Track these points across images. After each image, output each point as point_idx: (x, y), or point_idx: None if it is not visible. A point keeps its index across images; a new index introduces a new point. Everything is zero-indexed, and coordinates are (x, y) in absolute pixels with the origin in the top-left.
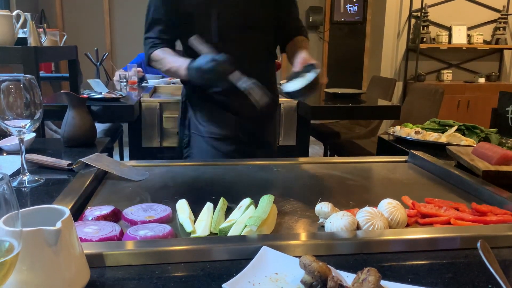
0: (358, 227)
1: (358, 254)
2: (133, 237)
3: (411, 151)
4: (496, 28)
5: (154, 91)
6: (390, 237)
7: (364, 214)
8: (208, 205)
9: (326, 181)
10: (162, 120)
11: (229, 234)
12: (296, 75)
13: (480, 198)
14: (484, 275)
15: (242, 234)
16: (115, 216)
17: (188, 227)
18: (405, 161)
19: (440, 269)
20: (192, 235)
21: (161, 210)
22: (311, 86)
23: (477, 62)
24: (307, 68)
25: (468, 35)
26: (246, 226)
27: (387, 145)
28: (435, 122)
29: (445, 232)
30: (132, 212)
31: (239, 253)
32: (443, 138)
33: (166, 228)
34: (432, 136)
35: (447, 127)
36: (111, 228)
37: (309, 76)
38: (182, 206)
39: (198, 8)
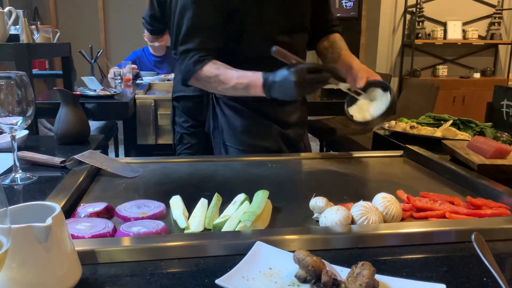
0: (353, 222)
1: (353, 248)
2: (126, 234)
3: (406, 145)
4: (491, 23)
5: (148, 88)
6: (385, 231)
7: (358, 209)
8: (202, 201)
9: (321, 176)
10: (157, 117)
11: (223, 229)
12: (356, 94)
13: (475, 192)
14: (479, 268)
15: (236, 229)
16: (108, 213)
17: (182, 223)
18: (400, 156)
19: (435, 262)
20: (185, 231)
21: (155, 206)
22: (390, 111)
23: (472, 57)
24: (373, 85)
25: (463, 31)
26: (240, 221)
27: (382, 140)
28: (430, 116)
29: (439, 226)
30: (126, 208)
31: (233, 249)
32: (438, 133)
33: (160, 224)
34: (427, 131)
35: (442, 122)
36: (104, 225)
37: (385, 99)
38: (176, 202)
39: (247, 6)
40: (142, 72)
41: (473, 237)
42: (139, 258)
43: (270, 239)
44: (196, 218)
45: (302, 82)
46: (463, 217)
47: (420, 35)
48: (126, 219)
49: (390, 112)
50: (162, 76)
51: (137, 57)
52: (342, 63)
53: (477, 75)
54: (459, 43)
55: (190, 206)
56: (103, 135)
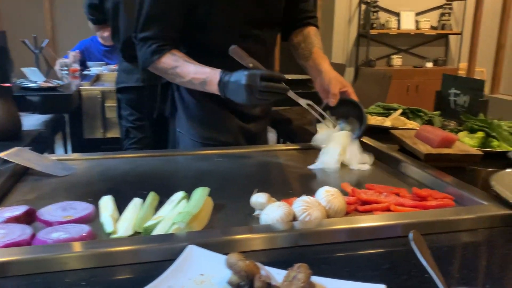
0: (295, 218)
1: (294, 247)
2: (43, 241)
3: None
4: (442, 14)
5: (96, 79)
6: (326, 227)
7: (300, 204)
8: (136, 201)
9: (269, 169)
10: (105, 109)
11: (155, 232)
12: (318, 114)
13: (422, 182)
14: (422, 264)
15: (170, 232)
16: (29, 217)
17: (108, 227)
18: None
19: (378, 259)
20: (112, 236)
21: (82, 208)
22: (363, 133)
23: (424, 47)
24: (345, 103)
25: (416, 21)
26: (174, 223)
27: None
28: (379, 106)
29: (382, 220)
30: (49, 211)
31: (163, 254)
32: (387, 122)
33: (84, 229)
34: (377, 120)
35: (391, 111)
36: (21, 232)
37: (354, 127)
38: (106, 203)
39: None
40: (89, 63)
41: (411, 235)
42: (54, 269)
43: (205, 241)
44: (126, 221)
45: (252, 88)
46: (408, 209)
47: (375, 25)
48: (48, 224)
49: (363, 133)
50: (112, 66)
51: (85, 47)
52: (313, 63)
53: (429, 65)
54: (412, 33)
55: (123, 207)
56: (38, 129)
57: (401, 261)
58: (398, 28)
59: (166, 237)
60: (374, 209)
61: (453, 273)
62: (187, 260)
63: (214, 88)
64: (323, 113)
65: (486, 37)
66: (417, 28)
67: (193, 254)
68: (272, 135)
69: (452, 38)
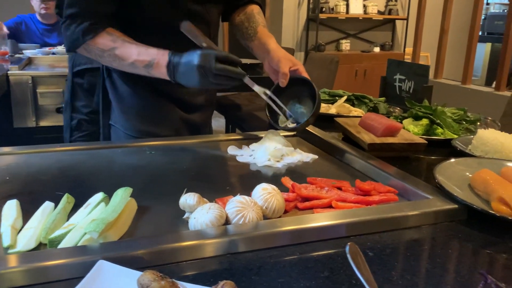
0: (228, 221)
1: (224, 255)
2: None
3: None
4: None
5: (28, 62)
6: (261, 231)
7: (234, 205)
8: (46, 206)
9: (205, 163)
10: (36, 96)
11: (63, 245)
12: (273, 102)
13: (366, 174)
14: None
15: (80, 244)
16: None
17: (6, 240)
18: (294, 136)
19: (316, 266)
20: (10, 251)
21: None
22: (317, 113)
23: (372, 32)
24: (296, 81)
25: (364, 6)
26: (85, 233)
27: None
28: (325, 92)
29: (323, 220)
30: None
31: (70, 272)
32: (332, 109)
33: None
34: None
35: (337, 98)
36: None
37: (308, 105)
38: (9, 210)
39: None
40: (21, 45)
41: (347, 248)
42: None
43: (119, 255)
44: (29, 231)
45: (206, 69)
46: (349, 206)
47: (324, 9)
48: None
49: (317, 114)
50: (47, 49)
51: (23, 21)
52: (258, 43)
53: (377, 49)
54: (360, 18)
55: (33, 213)
56: None
57: (341, 268)
58: (347, 12)
59: (74, 251)
60: (314, 206)
61: (396, 279)
62: (96, 279)
63: (162, 71)
64: (281, 104)
65: (430, 22)
66: (365, 13)
67: (104, 271)
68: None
69: (398, 23)
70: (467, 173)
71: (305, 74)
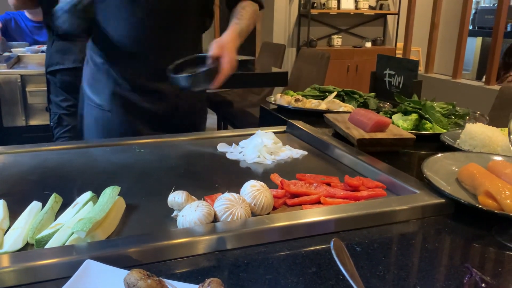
0: (217, 219)
1: (213, 252)
2: None
3: (289, 120)
4: None
5: (17, 61)
6: (249, 228)
7: (222, 202)
8: (33, 206)
9: (194, 160)
10: (26, 94)
11: (50, 244)
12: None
13: (355, 170)
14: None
15: (67, 243)
16: None
17: None
18: (284, 132)
19: (304, 262)
20: None
21: None
22: (211, 77)
23: (364, 27)
24: (201, 57)
25: (355, 1)
26: (73, 232)
27: (268, 115)
28: (315, 88)
29: (311, 216)
30: None
31: (57, 271)
32: (322, 105)
33: None
34: (312, 104)
35: (327, 94)
36: None
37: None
38: None
39: None
40: (10, 43)
41: (332, 244)
42: None
43: (106, 254)
44: (16, 231)
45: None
46: (338, 201)
47: (315, 4)
48: None
49: (209, 78)
50: (36, 47)
51: (12, 19)
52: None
53: (368, 45)
54: (352, 13)
55: (21, 213)
56: None
57: (328, 264)
58: (338, 8)
59: (61, 251)
60: (303, 202)
61: (383, 274)
62: (83, 279)
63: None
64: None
65: (421, 17)
66: (356, 8)
67: (91, 271)
68: (215, 118)
69: (389, 18)
70: (455, 168)
71: (225, 65)
